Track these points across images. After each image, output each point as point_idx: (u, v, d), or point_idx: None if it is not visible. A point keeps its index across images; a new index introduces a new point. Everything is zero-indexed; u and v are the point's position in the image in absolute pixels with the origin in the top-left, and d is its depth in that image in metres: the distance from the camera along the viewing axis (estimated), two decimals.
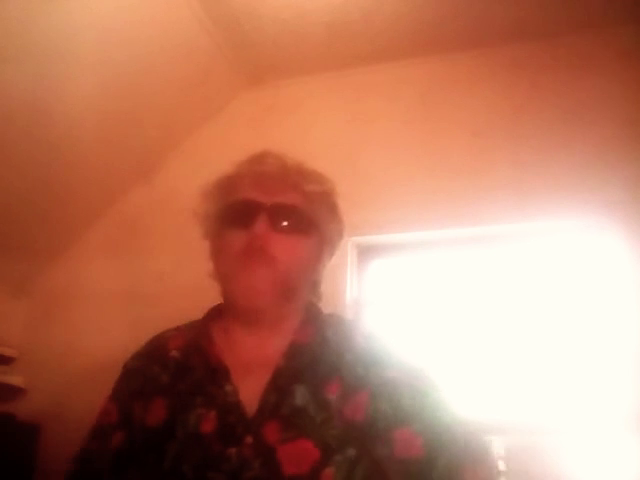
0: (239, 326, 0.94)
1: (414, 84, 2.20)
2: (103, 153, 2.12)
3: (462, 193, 1.99)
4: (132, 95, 2.05)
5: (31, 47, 1.69)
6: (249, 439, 0.81)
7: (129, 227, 2.31)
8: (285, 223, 0.92)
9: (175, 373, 0.92)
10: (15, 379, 2.14)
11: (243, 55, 2.23)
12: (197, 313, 1.01)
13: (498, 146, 2.02)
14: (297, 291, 0.95)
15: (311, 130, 2.23)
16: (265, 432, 0.81)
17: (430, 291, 2.04)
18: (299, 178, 0.95)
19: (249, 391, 0.85)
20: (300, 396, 0.84)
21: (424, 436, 0.82)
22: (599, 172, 1.87)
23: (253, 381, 0.86)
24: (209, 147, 2.31)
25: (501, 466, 1.55)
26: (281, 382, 0.86)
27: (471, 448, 0.84)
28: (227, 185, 0.99)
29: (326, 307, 1.03)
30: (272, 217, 0.91)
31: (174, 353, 0.95)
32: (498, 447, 1.57)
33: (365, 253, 2.14)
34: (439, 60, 2.17)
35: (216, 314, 0.99)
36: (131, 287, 2.17)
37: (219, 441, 0.81)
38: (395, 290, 2.09)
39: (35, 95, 1.79)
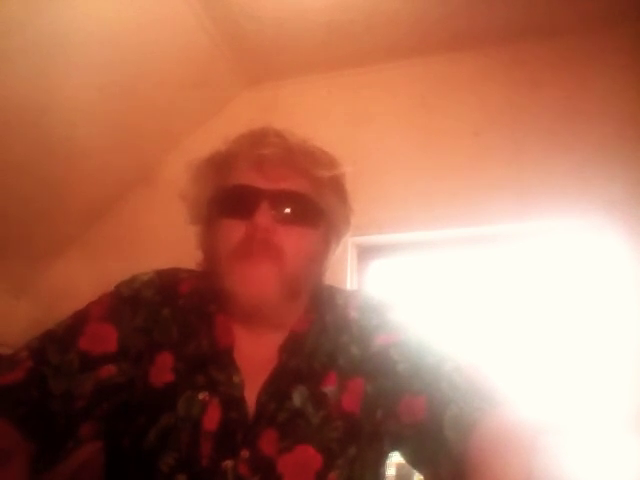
0: (235, 322, 0.83)
1: (414, 84, 2.20)
2: (103, 153, 2.12)
3: (462, 193, 1.99)
4: (132, 95, 2.04)
5: (30, 47, 1.69)
6: (245, 453, 0.74)
7: (129, 227, 2.31)
8: (290, 213, 0.80)
9: (182, 329, 0.82)
10: None
11: (243, 55, 2.22)
12: None
13: (498, 146, 2.02)
14: (303, 290, 0.84)
15: (311, 130, 2.21)
16: (262, 443, 0.74)
17: (430, 291, 2.04)
18: (306, 161, 0.84)
19: (247, 392, 0.79)
20: (298, 396, 0.78)
21: (426, 394, 0.74)
22: (599, 172, 1.86)
23: (250, 382, 0.79)
24: (209, 147, 2.30)
25: None
26: (279, 385, 0.79)
27: (482, 394, 0.74)
28: (221, 166, 0.88)
29: None
30: (275, 206, 0.80)
31: (182, 302, 0.84)
32: None
33: (365, 253, 2.13)
34: (439, 60, 2.17)
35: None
36: None
37: (216, 445, 0.74)
38: (395, 290, 2.09)
39: (35, 95, 1.79)
